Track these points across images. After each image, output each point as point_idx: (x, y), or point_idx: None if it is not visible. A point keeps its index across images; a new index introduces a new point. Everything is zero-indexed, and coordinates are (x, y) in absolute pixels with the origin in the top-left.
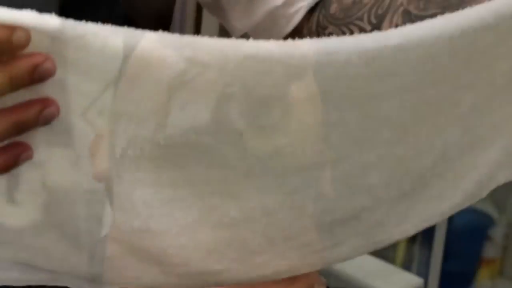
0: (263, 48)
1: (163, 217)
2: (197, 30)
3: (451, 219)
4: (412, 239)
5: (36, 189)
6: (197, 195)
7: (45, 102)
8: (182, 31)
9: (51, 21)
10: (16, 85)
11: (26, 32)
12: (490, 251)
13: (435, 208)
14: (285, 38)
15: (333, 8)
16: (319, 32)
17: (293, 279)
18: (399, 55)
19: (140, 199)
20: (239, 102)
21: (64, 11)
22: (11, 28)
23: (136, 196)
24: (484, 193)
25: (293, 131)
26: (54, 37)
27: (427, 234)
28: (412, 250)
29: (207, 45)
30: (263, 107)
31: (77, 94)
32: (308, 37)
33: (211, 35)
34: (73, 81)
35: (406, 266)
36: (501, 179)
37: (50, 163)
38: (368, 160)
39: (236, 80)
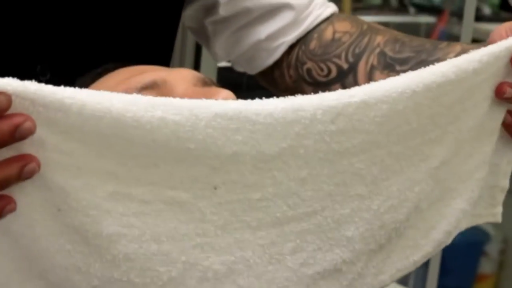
0: (232, 107)
1: (147, 271)
2: (196, 67)
3: None
4: None
5: (20, 239)
6: (180, 248)
7: (27, 158)
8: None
9: (30, 85)
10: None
11: (8, 96)
12: (486, 266)
13: (409, 258)
14: (266, 69)
15: (313, 44)
16: (298, 66)
17: None
18: (364, 111)
19: (121, 252)
20: (211, 159)
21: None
22: None
23: (117, 249)
24: (450, 240)
25: (265, 186)
26: (34, 99)
27: None
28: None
29: (178, 106)
30: (234, 163)
31: (56, 152)
32: (287, 70)
33: (210, 72)
34: (53, 140)
35: (403, 281)
36: (463, 226)
37: (33, 215)
38: (343, 214)
39: (207, 138)
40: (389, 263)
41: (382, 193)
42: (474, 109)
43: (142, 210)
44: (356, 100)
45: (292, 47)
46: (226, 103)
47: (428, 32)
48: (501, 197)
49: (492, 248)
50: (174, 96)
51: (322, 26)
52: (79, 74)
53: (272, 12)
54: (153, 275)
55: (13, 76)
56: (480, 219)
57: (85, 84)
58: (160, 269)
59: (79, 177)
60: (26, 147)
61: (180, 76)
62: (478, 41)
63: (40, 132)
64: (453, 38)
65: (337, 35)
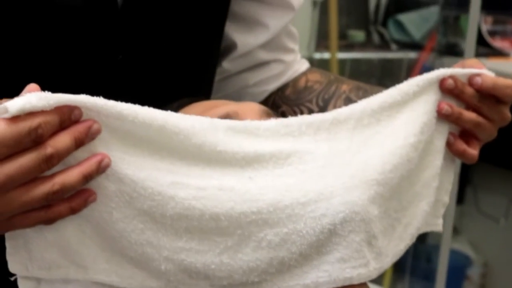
0: (239, 123)
1: (205, 241)
2: None
3: (429, 260)
4: (396, 280)
5: (101, 224)
6: (237, 224)
7: (101, 155)
8: None
9: (97, 100)
10: (78, 143)
11: (80, 110)
12: None
13: (398, 246)
14: None
15: (288, 91)
16: (273, 109)
17: None
18: (337, 126)
19: (182, 227)
20: (239, 159)
21: None
22: (71, 107)
23: (180, 226)
24: (413, 240)
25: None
26: (99, 111)
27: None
28: None
29: (200, 118)
30: (257, 159)
31: (120, 151)
32: None
33: None
34: (115, 142)
35: None
36: (423, 229)
37: (110, 203)
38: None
39: (229, 142)
40: (390, 248)
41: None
42: (424, 126)
43: (201, 195)
44: (329, 117)
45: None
46: (232, 122)
47: (410, 67)
48: (442, 210)
49: (474, 272)
50: None
51: (297, 77)
52: (147, 54)
53: (263, 63)
54: (211, 243)
55: (93, 58)
56: (428, 227)
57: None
58: (217, 239)
59: (143, 170)
60: (96, 147)
61: (248, 108)
62: None
63: (104, 135)
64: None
65: (309, 84)
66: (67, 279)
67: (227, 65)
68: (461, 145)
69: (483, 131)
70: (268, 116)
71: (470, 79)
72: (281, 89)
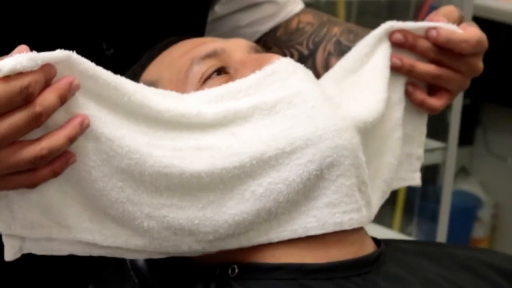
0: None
1: (186, 196)
2: None
3: (438, 201)
4: (406, 222)
5: (81, 183)
6: (219, 179)
7: (83, 116)
8: None
9: (71, 55)
10: (63, 100)
11: (54, 68)
12: (479, 231)
13: (384, 195)
14: None
15: (279, 32)
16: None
17: None
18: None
19: (162, 185)
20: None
21: None
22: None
23: (160, 184)
24: (386, 195)
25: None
26: (71, 66)
27: (423, 217)
28: (406, 230)
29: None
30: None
31: (97, 110)
32: None
33: None
34: (91, 102)
35: None
36: (394, 186)
37: (88, 162)
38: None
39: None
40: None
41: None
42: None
43: (179, 155)
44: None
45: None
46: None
47: (418, 7)
48: (418, 164)
49: (485, 213)
50: (233, 63)
51: (290, 18)
52: (140, 49)
53: (256, 4)
54: (193, 199)
55: (82, 52)
56: (405, 182)
57: (152, 56)
58: (199, 194)
59: (119, 130)
60: (74, 108)
61: (236, 45)
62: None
63: (79, 95)
64: None
65: (301, 25)
66: (51, 238)
67: (219, 8)
68: (420, 95)
69: (448, 83)
70: (256, 51)
71: (426, 33)
72: (273, 30)
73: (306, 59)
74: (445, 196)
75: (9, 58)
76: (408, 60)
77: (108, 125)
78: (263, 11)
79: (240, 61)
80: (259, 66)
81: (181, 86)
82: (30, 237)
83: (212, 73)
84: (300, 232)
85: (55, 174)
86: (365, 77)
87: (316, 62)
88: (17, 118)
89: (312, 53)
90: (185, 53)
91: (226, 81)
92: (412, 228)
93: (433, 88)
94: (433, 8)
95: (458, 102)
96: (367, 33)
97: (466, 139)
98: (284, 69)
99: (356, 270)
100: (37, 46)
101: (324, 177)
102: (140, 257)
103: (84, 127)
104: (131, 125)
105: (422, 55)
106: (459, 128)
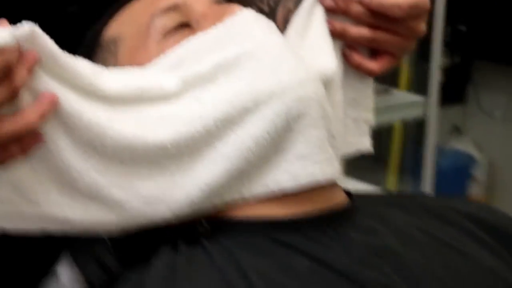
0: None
1: (152, 164)
2: None
3: (436, 161)
4: (401, 179)
5: (48, 156)
6: (183, 146)
7: (52, 94)
8: None
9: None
10: (30, 74)
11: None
12: (475, 190)
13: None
14: None
15: None
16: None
17: None
18: None
19: (127, 158)
20: None
21: None
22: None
23: (123, 156)
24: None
25: None
26: (34, 39)
27: (415, 176)
28: (402, 189)
29: None
30: None
31: (56, 88)
32: None
33: None
34: (49, 79)
35: None
36: (347, 149)
37: (53, 136)
38: None
39: None
40: None
41: None
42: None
43: (141, 126)
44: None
45: None
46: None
47: None
48: (365, 127)
49: (480, 172)
50: (194, 15)
51: None
52: (103, 4)
53: None
54: (161, 167)
55: (43, 8)
56: (354, 146)
57: (114, 11)
58: (166, 162)
59: (80, 105)
60: (37, 85)
61: None
62: None
63: (41, 72)
64: None
65: None
66: (23, 216)
67: None
68: (356, 58)
69: (386, 45)
70: (218, 4)
71: None
72: None
73: (266, 16)
74: (429, 153)
75: None
76: (339, 24)
77: (68, 101)
78: None
79: (201, 13)
80: (220, 18)
81: (142, 40)
82: (0, 212)
83: (174, 27)
84: (272, 186)
85: (24, 152)
86: (311, 41)
87: (276, 20)
88: None
89: (273, 11)
90: (146, 7)
91: (188, 35)
92: (403, 187)
93: (375, 52)
94: None
95: (437, 56)
96: None
97: (457, 97)
98: (245, 21)
99: (327, 222)
100: None
101: (293, 129)
102: (114, 233)
103: (54, 105)
104: (92, 102)
105: (357, 20)
106: (439, 81)
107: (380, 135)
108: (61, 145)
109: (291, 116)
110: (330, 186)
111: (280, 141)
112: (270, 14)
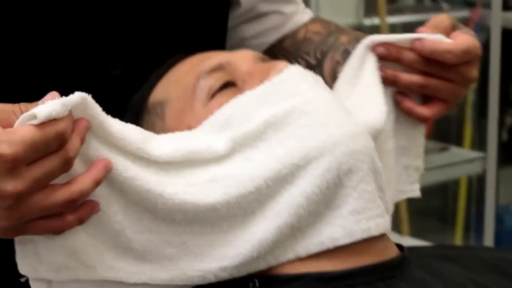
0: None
1: (205, 223)
2: None
3: (501, 221)
4: (466, 237)
5: (103, 219)
6: (235, 207)
7: (105, 160)
8: None
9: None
10: (82, 143)
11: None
12: None
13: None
14: None
15: (286, 42)
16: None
17: None
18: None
19: (179, 217)
20: None
21: None
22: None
23: (177, 215)
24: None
25: None
26: (85, 107)
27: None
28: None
29: None
30: None
31: (104, 151)
32: None
33: None
34: (102, 145)
35: None
36: (398, 196)
37: (106, 202)
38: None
39: None
40: None
41: None
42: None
43: (191, 190)
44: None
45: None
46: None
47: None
48: (416, 175)
49: None
50: (240, 74)
51: (298, 28)
52: (147, 68)
53: (261, 15)
54: (213, 225)
55: (86, 73)
56: (405, 194)
57: (160, 74)
58: (218, 221)
59: (130, 170)
60: (88, 151)
61: (241, 56)
62: (508, 30)
63: (92, 138)
64: (487, 29)
65: (308, 35)
66: (78, 279)
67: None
68: (407, 104)
69: (438, 92)
70: (263, 61)
71: (411, 44)
72: (280, 41)
73: (313, 69)
74: (489, 211)
75: (44, 105)
76: (391, 71)
77: (119, 165)
78: (269, 22)
79: (247, 72)
80: (266, 75)
81: (189, 102)
82: (57, 279)
83: (220, 87)
84: (328, 244)
85: (81, 222)
86: (362, 90)
87: (323, 72)
88: (52, 162)
89: (320, 63)
90: (191, 69)
91: (234, 94)
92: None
93: (427, 98)
94: (479, 25)
95: (493, 113)
96: None
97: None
98: (292, 77)
99: (378, 275)
100: (43, 66)
101: (344, 184)
102: None
103: (108, 170)
104: (142, 166)
105: (409, 67)
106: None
107: (445, 193)
108: (114, 208)
109: (342, 171)
110: (381, 239)
111: (331, 196)
112: (317, 66)
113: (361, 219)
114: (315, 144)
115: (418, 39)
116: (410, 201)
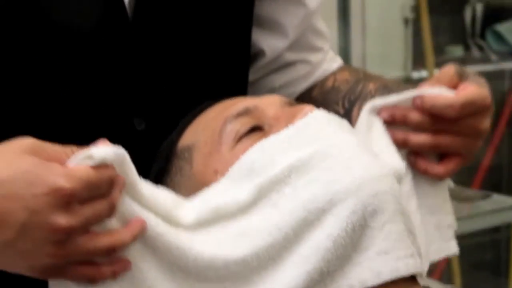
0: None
1: (237, 278)
2: None
3: None
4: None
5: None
6: (265, 257)
7: (142, 219)
8: None
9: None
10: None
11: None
12: None
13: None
14: None
15: (315, 91)
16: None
17: None
18: None
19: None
20: None
21: None
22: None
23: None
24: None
25: None
26: (122, 163)
27: None
28: None
29: None
30: None
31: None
32: None
33: None
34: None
35: None
36: (436, 255)
37: (138, 260)
38: None
39: None
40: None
41: None
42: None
43: (220, 245)
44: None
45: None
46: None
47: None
48: (450, 232)
49: None
50: (267, 119)
51: (326, 77)
52: (171, 122)
53: (288, 64)
54: (245, 279)
55: (113, 127)
56: (443, 253)
57: (189, 120)
58: (249, 274)
59: (161, 227)
60: (121, 206)
61: (269, 101)
62: None
63: (125, 194)
64: None
65: (336, 84)
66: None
67: (251, 73)
68: (421, 164)
69: (451, 148)
70: (290, 105)
71: (413, 103)
72: (309, 90)
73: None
74: None
75: (99, 149)
76: (401, 134)
77: (150, 224)
78: (296, 72)
79: (273, 116)
80: (292, 119)
81: (215, 146)
82: None
83: (246, 131)
84: (357, 286)
85: (114, 275)
86: (376, 149)
87: (352, 121)
88: (101, 205)
89: (348, 112)
90: (218, 113)
91: (261, 138)
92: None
93: (443, 154)
94: None
95: None
96: (401, 88)
97: None
98: (317, 121)
99: None
100: (67, 121)
101: (370, 225)
102: None
103: (144, 229)
104: (172, 225)
105: (416, 127)
106: None
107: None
108: (146, 267)
109: (368, 212)
110: (412, 283)
111: (358, 238)
112: (345, 116)
113: (389, 259)
114: (340, 187)
115: (418, 96)
116: (462, 254)
